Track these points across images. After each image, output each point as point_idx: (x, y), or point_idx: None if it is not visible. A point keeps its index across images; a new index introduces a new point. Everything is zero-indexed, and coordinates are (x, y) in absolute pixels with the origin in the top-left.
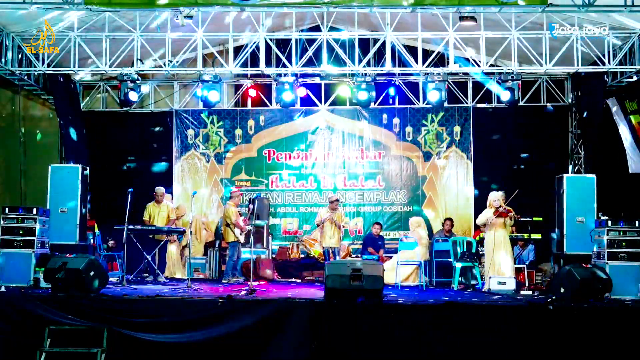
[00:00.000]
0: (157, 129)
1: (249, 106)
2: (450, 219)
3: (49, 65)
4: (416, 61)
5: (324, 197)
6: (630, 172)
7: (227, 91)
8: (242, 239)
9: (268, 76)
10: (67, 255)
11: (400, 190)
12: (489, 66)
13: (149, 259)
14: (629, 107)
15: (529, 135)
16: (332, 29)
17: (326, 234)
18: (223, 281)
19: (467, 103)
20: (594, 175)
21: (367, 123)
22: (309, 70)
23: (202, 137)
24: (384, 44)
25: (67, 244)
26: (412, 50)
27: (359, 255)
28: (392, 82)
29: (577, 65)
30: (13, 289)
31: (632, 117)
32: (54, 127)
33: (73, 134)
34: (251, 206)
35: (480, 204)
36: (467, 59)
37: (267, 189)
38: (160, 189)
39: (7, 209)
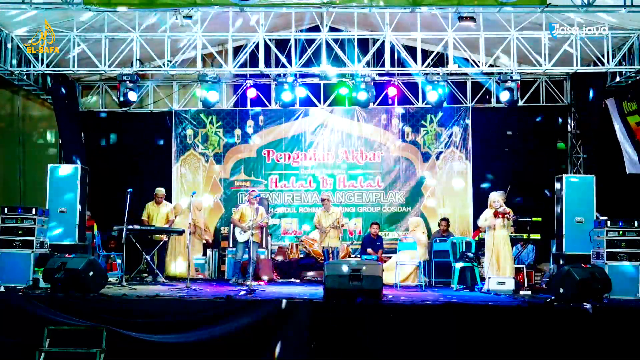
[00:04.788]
0: (156, 129)
1: (248, 106)
2: (446, 220)
3: (48, 66)
4: (415, 61)
5: None
6: (627, 172)
7: (226, 91)
8: (240, 238)
9: (267, 76)
10: (66, 255)
11: (399, 190)
12: (488, 66)
13: (148, 259)
14: (626, 108)
15: (528, 135)
16: (331, 29)
17: (326, 234)
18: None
19: (466, 103)
20: (593, 176)
21: (366, 123)
22: (309, 70)
23: (201, 137)
24: (383, 44)
25: (66, 244)
26: (411, 51)
27: (358, 255)
28: (391, 82)
29: (576, 65)
30: (12, 289)
31: (629, 118)
32: (53, 127)
33: (72, 134)
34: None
35: (479, 205)
36: (467, 59)
37: (267, 189)
38: (160, 190)
39: (6, 209)
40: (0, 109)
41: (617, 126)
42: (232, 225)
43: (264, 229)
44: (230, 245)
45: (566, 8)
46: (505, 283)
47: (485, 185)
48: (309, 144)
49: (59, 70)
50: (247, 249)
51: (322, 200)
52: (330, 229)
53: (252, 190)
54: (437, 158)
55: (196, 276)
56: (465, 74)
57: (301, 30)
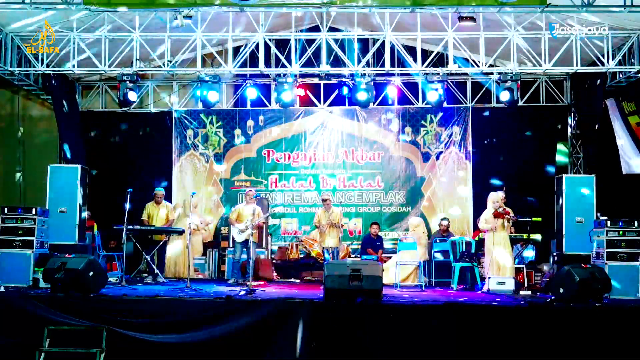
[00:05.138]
0: (156, 129)
1: (248, 106)
2: (446, 220)
3: (48, 66)
4: (415, 61)
5: None
6: (623, 173)
7: (226, 91)
8: (238, 238)
9: (267, 76)
10: (67, 255)
11: (399, 190)
12: (488, 66)
13: (148, 259)
14: (626, 108)
15: (528, 135)
16: (331, 29)
17: (326, 234)
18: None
19: (466, 103)
20: (593, 176)
21: (366, 123)
22: (308, 70)
23: (202, 137)
24: (383, 44)
25: (67, 244)
26: (411, 51)
27: (358, 255)
28: (391, 82)
29: (576, 65)
30: (12, 289)
31: (629, 118)
32: (53, 127)
33: (72, 134)
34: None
35: (478, 204)
36: (467, 59)
37: (267, 189)
38: (160, 190)
39: (6, 209)
40: (0, 109)
41: (618, 126)
42: (231, 225)
43: (264, 229)
44: (230, 245)
45: (566, 8)
46: (505, 283)
47: (485, 185)
48: (309, 144)
49: (59, 70)
50: (244, 249)
51: (323, 200)
52: (329, 228)
53: (250, 190)
54: (437, 158)
55: (196, 276)
56: (465, 74)
57: (301, 30)
